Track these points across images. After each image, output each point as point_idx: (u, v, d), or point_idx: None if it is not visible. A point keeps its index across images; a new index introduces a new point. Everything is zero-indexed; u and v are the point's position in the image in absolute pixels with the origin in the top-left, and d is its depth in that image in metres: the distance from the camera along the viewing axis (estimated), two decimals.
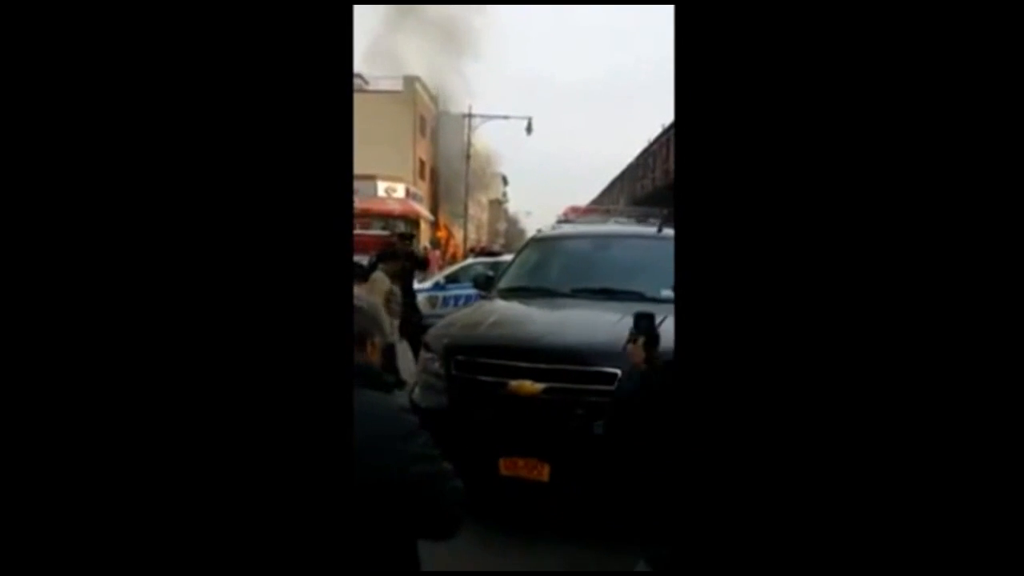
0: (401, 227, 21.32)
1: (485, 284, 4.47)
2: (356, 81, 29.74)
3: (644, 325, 1.85)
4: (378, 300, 5.03)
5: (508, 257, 6.95)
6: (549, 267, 4.22)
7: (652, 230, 4.16)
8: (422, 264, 6.67)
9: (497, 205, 50.69)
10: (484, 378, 2.87)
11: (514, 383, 2.78)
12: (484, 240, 34.84)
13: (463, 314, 3.96)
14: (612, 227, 4.83)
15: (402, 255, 5.62)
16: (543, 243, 4.66)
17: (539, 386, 2.72)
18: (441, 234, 26.58)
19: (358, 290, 1.29)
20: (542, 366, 2.75)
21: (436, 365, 3.08)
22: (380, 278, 4.84)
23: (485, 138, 30.85)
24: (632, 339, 1.85)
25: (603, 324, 2.85)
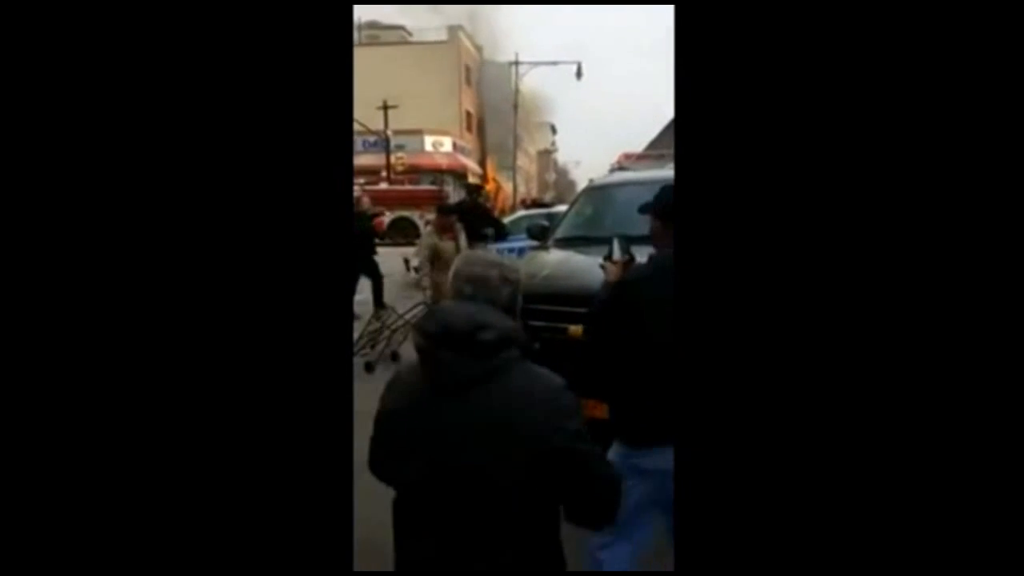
0: (449, 182, 21.41)
1: (540, 234, 4.53)
2: (400, 33, 29.39)
3: (622, 247, 1.99)
4: (423, 256, 4.93)
5: (561, 207, 6.94)
6: (604, 215, 4.22)
7: None
8: (495, 223, 6.00)
9: (546, 155, 49.90)
10: (544, 324, 2.98)
11: (573, 328, 2.87)
12: (534, 192, 34.54)
13: (521, 263, 4.04)
14: (666, 172, 4.76)
15: (466, 208, 5.49)
16: (598, 192, 4.65)
17: None
18: (489, 187, 26.52)
19: (480, 255, 1.28)
20: None
21: None
22: (427, 233, 4.89)
23: (532, 86, 30.15)
24: (608, 257, 1.99)
25: None
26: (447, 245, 4.86)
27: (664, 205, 1.91)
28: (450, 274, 1.23)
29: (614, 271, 1.96)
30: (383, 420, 1.17)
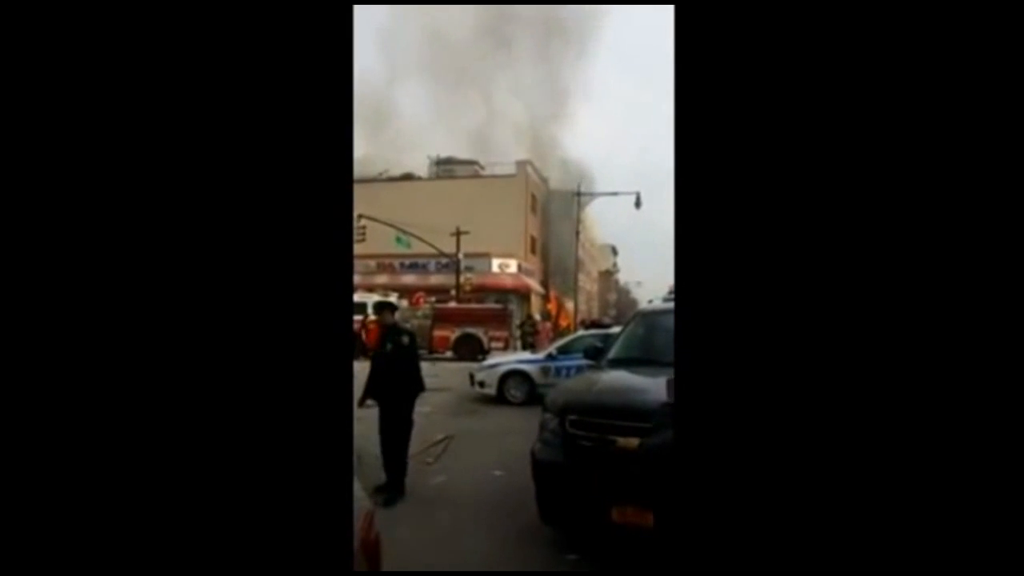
0: (513, 300, 22.49)
1: (595, 355, 4.98)
2: (473, 167, 32.38)
3: None
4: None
5: (616, 329, 7.39)
6: (653, 339, 4.65)
7: None
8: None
9: (607, 276, 51.19)
10: (596, 435, 3.37)
11: (621, 440, 3.24)
12: (595, 311, 35.17)
13: (576, 381, 4.48)
14: None
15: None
16: (648, 317, 5.12)
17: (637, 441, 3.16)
18: (551, 306, 27.51)
19: None
20: (640, 424, 3.21)
21: (553, 424, 3.63)
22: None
23: (595, 212, 31.92)
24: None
25: None
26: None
27: None
28: None
29: None
30: None
